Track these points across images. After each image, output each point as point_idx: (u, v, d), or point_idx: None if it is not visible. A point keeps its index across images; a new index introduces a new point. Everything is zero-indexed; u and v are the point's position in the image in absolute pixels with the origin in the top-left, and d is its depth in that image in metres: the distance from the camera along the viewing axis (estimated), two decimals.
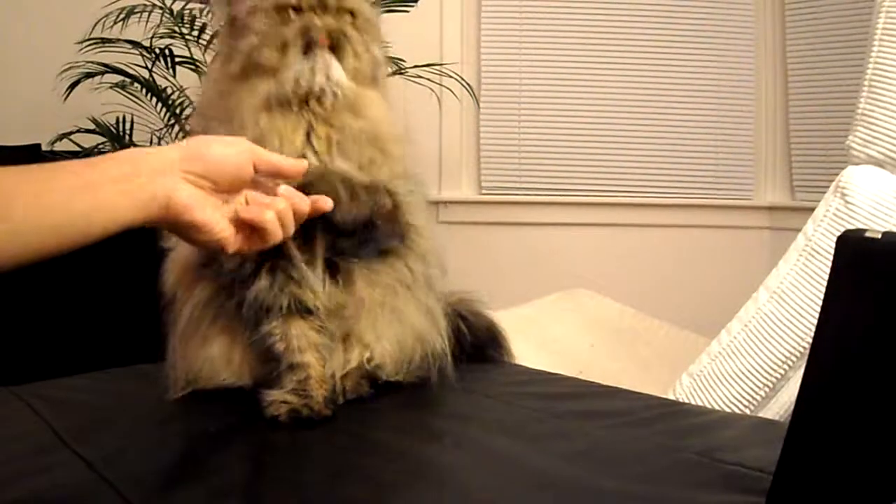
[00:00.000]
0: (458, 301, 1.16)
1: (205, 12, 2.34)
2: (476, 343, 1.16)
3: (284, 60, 0.85)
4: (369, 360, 0.95)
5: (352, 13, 0.88)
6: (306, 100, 0.87)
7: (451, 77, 2.54)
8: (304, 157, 0.85)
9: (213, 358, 0.94)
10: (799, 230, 1.37)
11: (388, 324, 0.96)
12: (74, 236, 0.61)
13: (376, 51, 0.92)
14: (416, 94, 2.54)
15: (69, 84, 2.30)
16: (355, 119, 0.90)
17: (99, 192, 0.62)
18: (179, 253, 0.96)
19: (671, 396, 1.34)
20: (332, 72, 0.86)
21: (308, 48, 0.85)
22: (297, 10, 0.86)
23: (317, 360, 0.91)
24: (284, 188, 0.74)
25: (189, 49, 2.38)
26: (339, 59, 0.87)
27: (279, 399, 0.88)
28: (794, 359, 1.29)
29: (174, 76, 2.41)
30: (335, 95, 0.87)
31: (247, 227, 0.72)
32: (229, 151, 0.72)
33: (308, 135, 0.87)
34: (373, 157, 0.90)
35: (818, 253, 1.31)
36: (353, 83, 0.88)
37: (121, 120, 2.41)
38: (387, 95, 0.94)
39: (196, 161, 0.69)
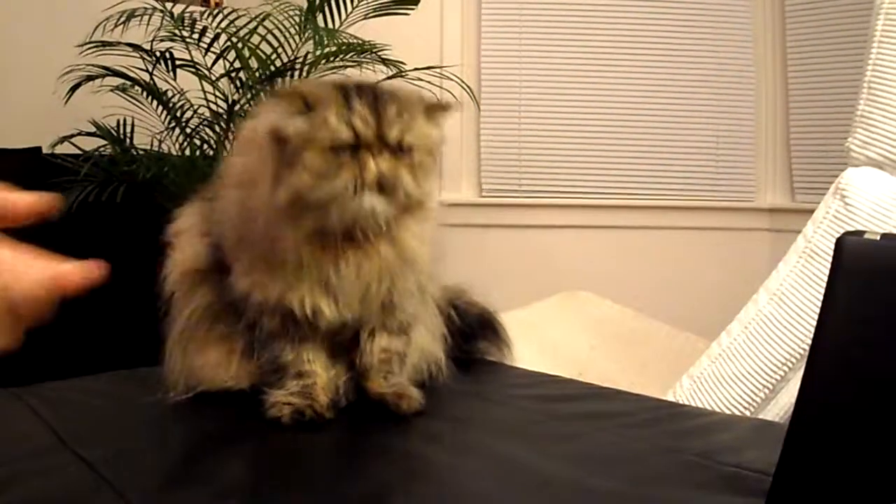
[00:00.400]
0: (453, 293, 1.17)
1: (205, 15, 2.35)
2: (470, 333, 1.16)
3: (335, 200, 0.80)
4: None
5: (411, 149, 0.83)
6: (348, 231, 0.84)
7: (451, 79, 2.54)
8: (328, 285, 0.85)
9: (211, 364, 0.95)
10: (799, 232, 1.37)
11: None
12: None
13: (428, 185, 0.86)
14: None
15: (70, 87, 2.31)
16: (391, 247, 0.87)
17: None
18: (180, 256, 0.96)
19: (671, 398, 1.34)
20: (379, 210, 0.81)
21: (359, 188, 0.80)
22: (355, 147, 0.80)
23: (323, 369, 0.91)
24: None
25: (190, 52, 2.39)
26: (389, 197, 0.82)
27: (282, 401, 0.88)
28: (794, 360, 1.29)
29: (175, 79, 2.42)
30: (378, 228, 0.84)
31: None
32: None
33: (338, 262, 0.85)
34: (400, 282, 0.89)
35: (818, 254, 1.31)
36: (396, 213, 0.85)
37: (121, 123, 2.41)
38: (430, 217, 0.90)
39: None
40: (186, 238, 0.96)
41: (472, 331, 1.18)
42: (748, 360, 1.32)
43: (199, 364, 0.95)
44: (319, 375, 0.90)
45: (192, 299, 0.95)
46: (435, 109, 0.86)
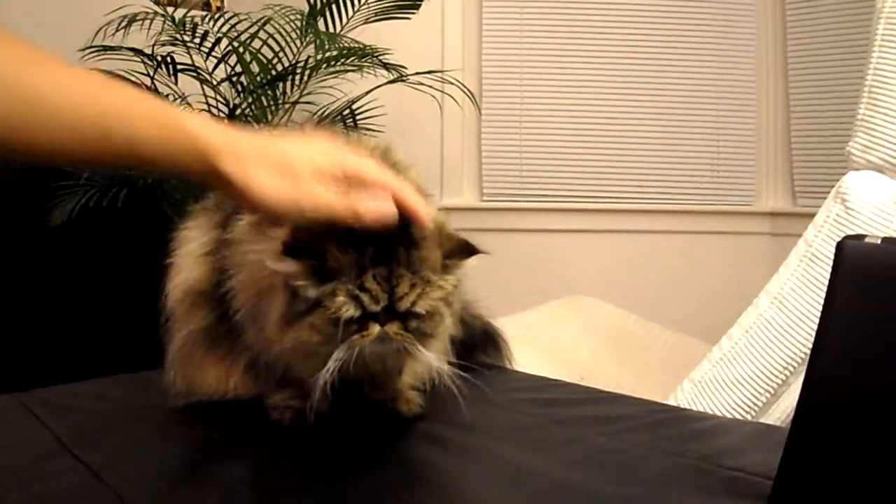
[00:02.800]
0: (460, 307, 1.16)
1: (206, 20, 2.35)
2: (471, 345, 1.16)
3: (344, 356, 0.76)
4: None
5: (423, 314, 0.78)
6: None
7: (452, 84, 2.55)
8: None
9: (210, 383, 0.94)
10: (800, 236, 1.37)
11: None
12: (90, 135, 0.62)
13: (443, 326, 0.83)
14: (417, 100, 2.55)
15: None
16: (400, 379, 0.91)
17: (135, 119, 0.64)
18: (182, 276, 0.95)
19: (672, 402, 1.34)
20: (387, 352, 0.79)
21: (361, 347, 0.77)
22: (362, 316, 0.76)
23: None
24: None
25: (191, 56, 2.39)
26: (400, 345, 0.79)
27: (283, 404, 0.88)
28: (795, 364, 1.29)
29: (176, 83, 2.42)
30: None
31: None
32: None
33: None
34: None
35: (819, 258, 1.31)
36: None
37: None
38: (442, 338, 0.87)
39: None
40: (190, 258, 0.94)
41: (474, 343, 1.17)
42: (749, 363, 1.32)
43: (198, 382, 0.94)
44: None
45: (191, 320, 0.93)
46: (457, 258, 0.82)
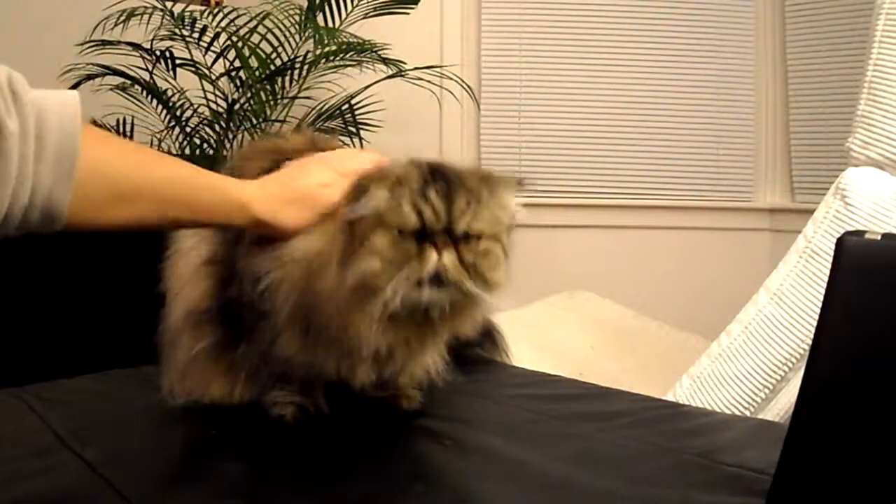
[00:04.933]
0: None
1: (205, 14, 2.35)
2: (468, 340, 1.16)
3: (397, 288, 0.77)
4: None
5: (479, 237, 0.81)
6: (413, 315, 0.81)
7: (451, 79, 2.54)
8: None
9: (213, 395, 0.93)
10: (799, 232, 1.37)
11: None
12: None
13: (498, 272, 0.85)
14: (416, 95, 2.55)
15: (70, 86, 2.30)
16: (458, 323, 0.86)
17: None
18: (185, 294, 0.93)
19: (671, 398, 1.34)
20: (437, 301, 0.79)
21: (420, 281, 0.78)
22: (422, 234, 0.78)
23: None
24: None
25: (190, 51, 2.39)
26: (448, 289, 0.79)
27: (284, 400, 0.88)
28: (794, 360, 1.29)
29: (175, 78, 2.42)
30: (439, 315, 0.82)
31: None
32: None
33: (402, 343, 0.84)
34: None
35: (818, 254, 1.31)
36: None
37: (121, 122, 2.41)
38: (499, 285, 0.86)
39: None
40: (189, 271, 0.93)
41: (471, 338, 1.17)
42: (748, 360, 1.32)
43: (199, 393, 0.93)
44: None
45: (197, 339, 0.91)
46: (504, 187, 0.84)
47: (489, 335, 1.21)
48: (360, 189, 0.79)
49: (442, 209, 0.77)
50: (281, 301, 0.83)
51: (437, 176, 0.79)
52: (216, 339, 0.91)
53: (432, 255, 0.77)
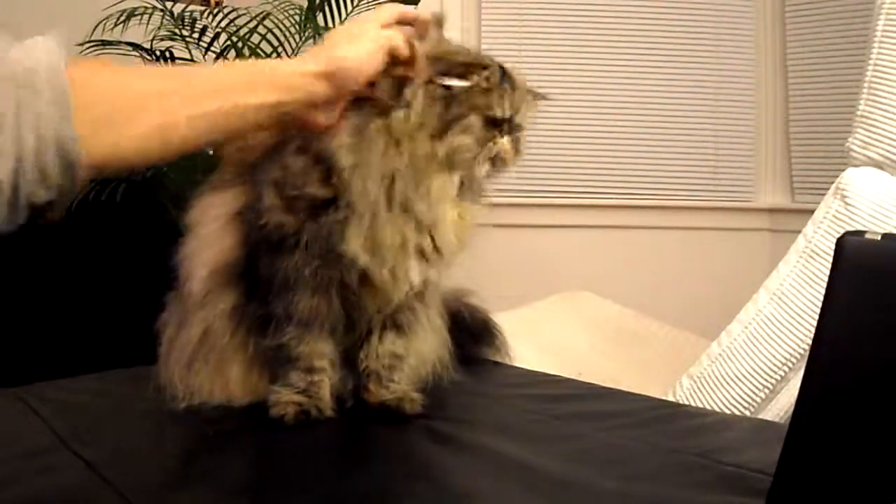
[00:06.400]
0: (453, 297, 1.17)
1: (205, 14, 2.35)
2: (468, 336, 1.16)
3: (482, 163, 0.91)
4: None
5: (522, 128, 0.95)
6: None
7: None
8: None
9: (230, 378, 0.92)
10: (799, 232, 1.37)
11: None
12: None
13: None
14: None
15: None
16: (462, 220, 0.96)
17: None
18: (209, 253, 0.93)
19: (671, 398, 1.34)
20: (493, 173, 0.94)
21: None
22: (497, 123, 0.91)
23: (333, 369, 0.91)
24: None
25: (190, 51, 2.39)
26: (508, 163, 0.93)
27: (286, 399, 0.88)
28: (794, 360, 1.29)
29: None
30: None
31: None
32: (359, 53, 0.84)
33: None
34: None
35: (818, 255, 1.31)
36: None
37: None
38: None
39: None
40: (214, 228, 0.93)
41: (470, 334, 1.18)
42: (748, 360, 1.32)
43: (215, 381, 0.93)
44: (328, 374, 0.90)
45: (218, 301, 0.92)
46: (534, 97, 0.97)
47: (488, 332, 1.21)
48: (460, 68, 0.89)
49: (513, 104, 0.92)
50: (359, 183, 0.86)
51: (506, 74, 0.94)
52: (234, 304, 0.91)
53: (503, 139, 0.91)
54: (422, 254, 0.90)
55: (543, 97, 0.99)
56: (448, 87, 0.88)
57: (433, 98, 0.87)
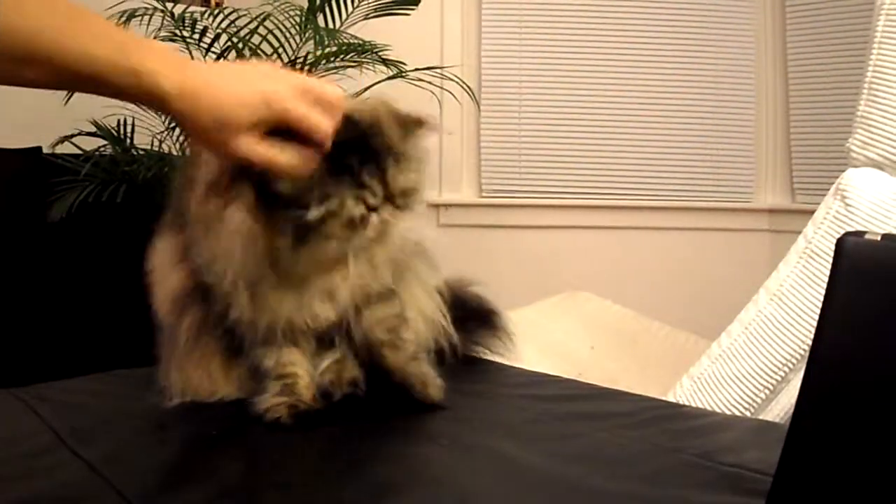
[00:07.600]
0: (454, 283, 1.17)
1: (205, 15, 2.35)
2: (470, 321, 1.17)
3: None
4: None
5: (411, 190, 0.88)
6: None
7: (451, 80, 2.54)
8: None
9: (212, 372, 0.94)
10: (799, 233, 1.37)
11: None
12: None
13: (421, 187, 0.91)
14: (417, 97, 2.54)
15: None
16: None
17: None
18: (164, 287, 0.96)
19: (671, 398, 1.34)
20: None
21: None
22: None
23: (304, 371, 0.92)
24: None
25: (190, 52, 2.38)
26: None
27: (274, 402, 0.88)
28: (795, 361, 1.29)
29: None
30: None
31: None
32: (238, 91, 0.74)
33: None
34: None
35: (818, 255, 1.31)
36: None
37: (122, 123, 2.41)
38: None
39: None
40: (164, 271, 0.96)
41: (473, 319, 1.18)
42: (748, 360, 1.32)
43: (199, 375, 0.94)
44: (300, 376, 0.91)
45: (185, 318, 0.94)
46: (415, 127, 0.90)
47: (491, 316, 1.21)
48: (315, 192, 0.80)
49: (378, 188, 0.84)
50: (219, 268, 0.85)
51: (370, 157, 0.84)
52: (201, 317, 0.93)
53: (374, 218, 0.84)
54: (330, 294, 0.89)
55: (421, 125, 0.91)
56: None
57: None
